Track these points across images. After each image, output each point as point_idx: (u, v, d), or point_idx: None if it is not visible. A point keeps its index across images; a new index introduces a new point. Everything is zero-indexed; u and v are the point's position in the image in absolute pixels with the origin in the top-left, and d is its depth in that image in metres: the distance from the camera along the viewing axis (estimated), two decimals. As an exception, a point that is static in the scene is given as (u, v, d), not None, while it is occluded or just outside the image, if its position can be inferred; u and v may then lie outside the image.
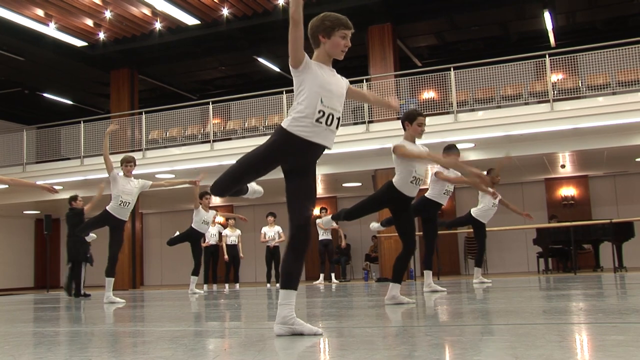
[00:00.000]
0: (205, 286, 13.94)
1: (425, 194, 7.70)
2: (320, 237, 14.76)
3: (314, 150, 3.51)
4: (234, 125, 16.27)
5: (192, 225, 10.88)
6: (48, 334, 4.28)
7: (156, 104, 17.72)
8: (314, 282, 14.72)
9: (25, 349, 3.43)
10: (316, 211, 16.61)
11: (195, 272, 10.92)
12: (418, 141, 5.86)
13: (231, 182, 3.58)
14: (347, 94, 3.81)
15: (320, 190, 18.46)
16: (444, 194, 7.58)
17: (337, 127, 3.55)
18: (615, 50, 12.67)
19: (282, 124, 3.49)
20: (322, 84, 3.49)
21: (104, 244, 8.45)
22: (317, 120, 3.44)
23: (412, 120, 5.72)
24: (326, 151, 3.62)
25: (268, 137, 3.58)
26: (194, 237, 10.98)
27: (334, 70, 3.70)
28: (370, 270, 17.06)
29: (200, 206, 10.84)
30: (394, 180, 5.62)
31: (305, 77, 3.48)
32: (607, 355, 2.32)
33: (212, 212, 11.15)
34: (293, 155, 3.48)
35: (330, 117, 3.49)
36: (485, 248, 9.95)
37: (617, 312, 4.14)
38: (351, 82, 14.48)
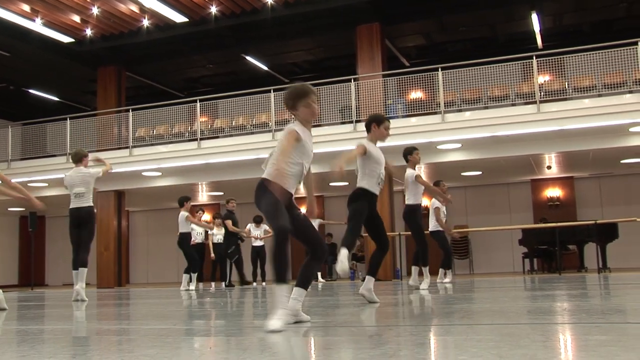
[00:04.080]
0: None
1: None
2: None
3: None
4: (221, 124, 16.22)
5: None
6: (32, 331, 4.24)
7: (143, 102, 17.61)
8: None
9: (9, 347, 3.40)
10: (305, 209, 16.55)
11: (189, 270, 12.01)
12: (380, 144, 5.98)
13: None
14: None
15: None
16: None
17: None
18: (601, 52, 12.76)
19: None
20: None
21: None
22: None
23: (379, 123, 5.83)
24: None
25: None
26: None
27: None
28: (357, 270, 17.08)
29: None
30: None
31: None
32: (590, 355, 2.34)
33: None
34: None
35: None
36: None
37: (601, 313, 4.17)
38: (339, 82, 14.55)
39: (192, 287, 12.00)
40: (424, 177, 8.32)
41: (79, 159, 8.55)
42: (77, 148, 9.62)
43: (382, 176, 5.79)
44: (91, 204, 8.38)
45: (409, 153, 8.07)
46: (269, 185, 3.90)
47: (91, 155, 8.93)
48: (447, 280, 10.25)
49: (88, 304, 7.69)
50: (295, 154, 4.02)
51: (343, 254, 5.44)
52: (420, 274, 8.21)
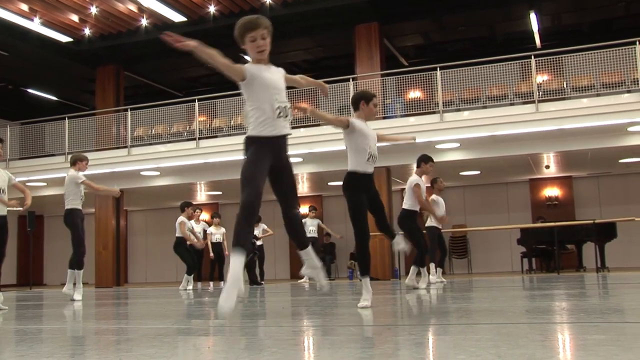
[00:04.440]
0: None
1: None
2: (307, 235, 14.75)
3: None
4: (219, 123, 16.22)
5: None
6: (30, 331, 4.24)
7: (142, 101, 17.60)
8: (299, 281, 14.71)
9: (7, 347, 3.39)
10: (304, 209, 16.63)
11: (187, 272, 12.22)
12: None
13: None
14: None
15: (306, 189, 18.46)
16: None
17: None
18: (600, 52, 12.78)
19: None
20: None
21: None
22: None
23: (368, 100, 5.51)
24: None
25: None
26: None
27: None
28: (355, 269, 17.06)
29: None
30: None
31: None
32: (589, 354, 2.34)
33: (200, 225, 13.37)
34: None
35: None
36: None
37: (599, 312, 4.18)
38: (337, 81, 14.53)
39: (190, 287, 12.06)
40: (423, 185, 8.19)
41: (72, 162, 8.82)
42: (77, 153, 9.71)
43: (373, 152, 5.32)
44: (70, 207, 8.50)
45: (424, 161, 7.96)
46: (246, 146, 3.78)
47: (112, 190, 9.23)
48: (433, 279, 10.05)
49: (86, 303, 7.69)
50: (254, 95, 3.85)
51: (366, 287, 4.98)
52: (419, 274, 8.21)
